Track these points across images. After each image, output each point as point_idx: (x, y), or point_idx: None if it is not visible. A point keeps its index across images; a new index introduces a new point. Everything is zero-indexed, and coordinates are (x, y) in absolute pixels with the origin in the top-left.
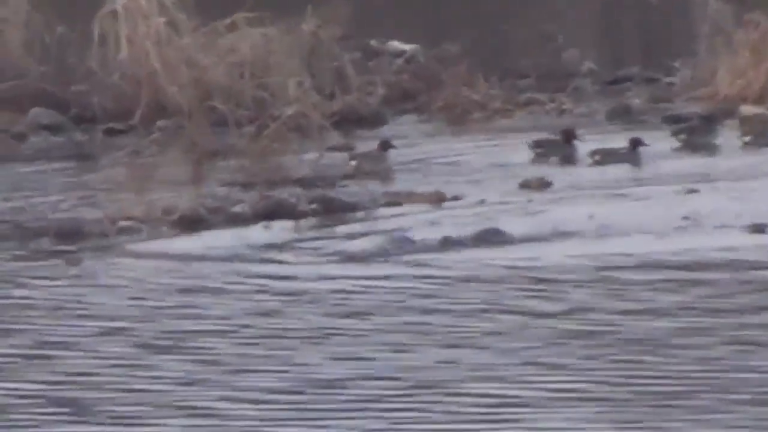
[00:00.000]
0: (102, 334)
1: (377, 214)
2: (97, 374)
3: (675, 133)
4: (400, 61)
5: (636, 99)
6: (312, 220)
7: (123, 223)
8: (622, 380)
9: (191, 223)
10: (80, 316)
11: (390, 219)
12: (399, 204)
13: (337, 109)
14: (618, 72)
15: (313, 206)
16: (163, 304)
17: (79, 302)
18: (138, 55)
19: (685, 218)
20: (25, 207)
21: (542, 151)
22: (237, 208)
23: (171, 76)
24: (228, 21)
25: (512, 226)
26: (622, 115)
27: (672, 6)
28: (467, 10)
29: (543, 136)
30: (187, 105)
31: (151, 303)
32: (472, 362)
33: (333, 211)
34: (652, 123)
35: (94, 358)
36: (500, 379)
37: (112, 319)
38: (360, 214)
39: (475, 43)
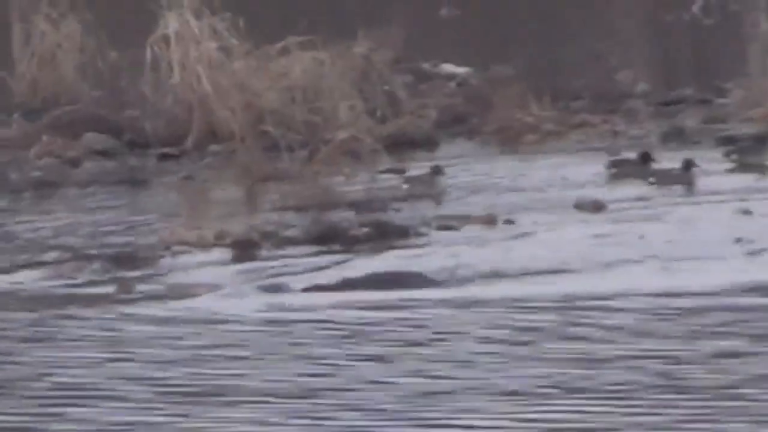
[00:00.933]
0: None
1: (430, 237)
2: None
3: (727, 154)
4: (452, 84)
5: (689, 120)
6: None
7: (176, 248)
8: None
9: (244, 248)
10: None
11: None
12: (452, 227)
13: (389, 132)
14: (671, 93)
15: (366, 230)
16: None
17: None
18: (190, 79)
19: (738, 240)
20: (78, 232)
21: (617, 171)
22: (289, 233)
23: (223, 100)
24: (280, 45)
25: (567, 253)
26: (676, 137)
27: (724, 27)
28: (520, 33)
29: (620, 155)
30: (239, 129)
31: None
32: None
33: (385, 235)
34: (705, 144)
35: None
36: None
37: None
38: (413, 238)
39: (528, 64)
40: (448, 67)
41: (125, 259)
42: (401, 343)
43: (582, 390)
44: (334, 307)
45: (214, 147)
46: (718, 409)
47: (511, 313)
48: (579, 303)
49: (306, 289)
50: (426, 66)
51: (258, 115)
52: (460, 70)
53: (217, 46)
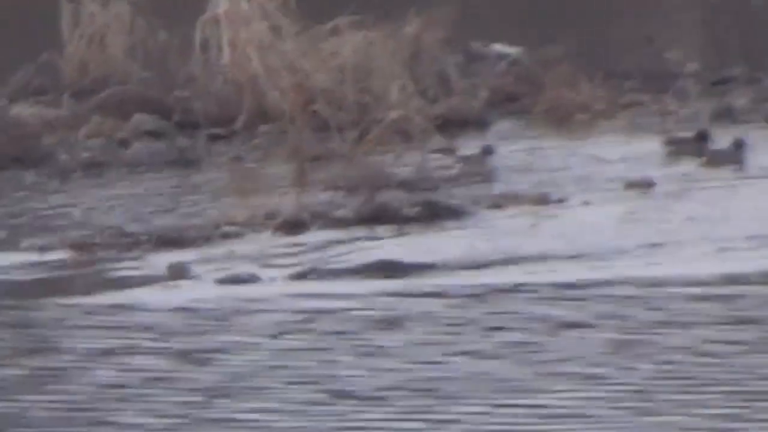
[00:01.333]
0: None
1: (480, 217)
2: None
3: None
4: (503, 63)
5: (738, 99)
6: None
7: (226, 228)
8: None
9: (294, 228)
10: None
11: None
12: (502, 207)
13: (440, 112)
14: (721, 72)
15: (416, 209)
16: None
17: None
18: (240, 60)
19: None
20: (127, 213)
21: (673, 149)
22: (340, 213)
23: (273, 80)
24: (330, 25)
25: (619, 232)
26: (725, 116)
27: None
28: (570, 12)
29: (677, 134)
30: (289, 110)
31: None
32: None
33: (436, 215)
34: (755, 123)
35: None
36: None
37: None
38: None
39: (579, 44)
40: (499, 47)
41: (175, 240)
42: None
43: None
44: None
45: (264, 127)
46: None
47: (558, 300)
48: (634, 288)
49: (344, 273)
50: (476, 46)
51: (308, 96)
52: (511, 50)
53: (268, 27)
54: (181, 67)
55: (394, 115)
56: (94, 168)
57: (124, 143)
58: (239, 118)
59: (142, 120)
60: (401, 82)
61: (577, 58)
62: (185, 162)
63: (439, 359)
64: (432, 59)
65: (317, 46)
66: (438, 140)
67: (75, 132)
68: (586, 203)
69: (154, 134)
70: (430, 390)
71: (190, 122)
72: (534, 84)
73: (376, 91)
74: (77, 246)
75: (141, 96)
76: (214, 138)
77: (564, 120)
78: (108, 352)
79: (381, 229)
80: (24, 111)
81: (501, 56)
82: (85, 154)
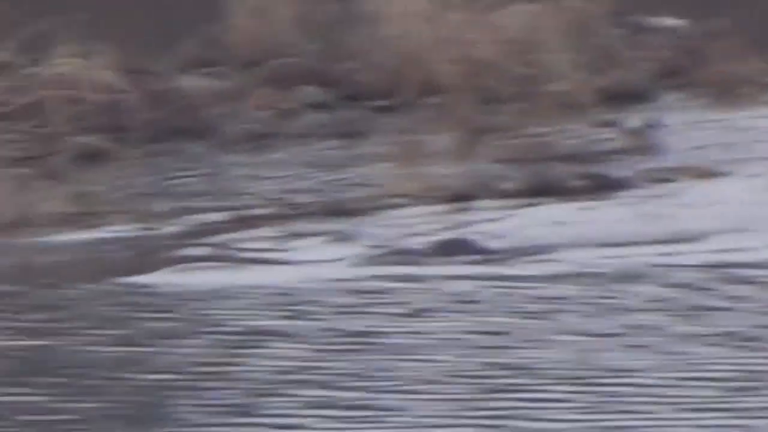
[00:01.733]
0: None
1: (645, 189)
2: None
3: None
4: (668, 36)
5: None
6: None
7: (392, 200)
8: None
9: (460, 200)
10: None
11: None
12: (667, 180)
13: (604, 84)
14: None
15: (581, 182)
16: None
17: None
18: (406, 32)
19: None
20: (294, 184)
21: None
22: (506, 185)
23: (439, 53)
24: None
25: None
26: None
27: None
28: None
29: None
30: (455, 82)
31: None
32: None
33: (602, 187)
34: None
35: None
36: None
37: None
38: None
39: (744, 17)
40: (664, 20)
41: (342, 210)
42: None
43: None
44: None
45: (429, 99)
46: None
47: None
48: None
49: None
50: (642, 18)
51: (474, 68)
52: (677, 22)
53: None
54: (347, 38)
55: (559, 87)
56: (260, 139)
57: (290, 115)
58: (405, 90)
59: (308, 92)
60: (566, 54)
61: (743, 31)
62: (351, 133)
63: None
64: (597, 32)
65: (482, 19)
66: (603, 113)
67: (241, 103)
68: (752, 176)
69: (320, 106)
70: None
71: (356, 94)
72: (700, 57)
73: (542, 63)
74: (243, 218)
75: (307, 68)
76: (380, 110)
77: (730, 93)
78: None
79: (546, 202)
80: (191, 83)
81: (666, 29)
82: (252, 126)
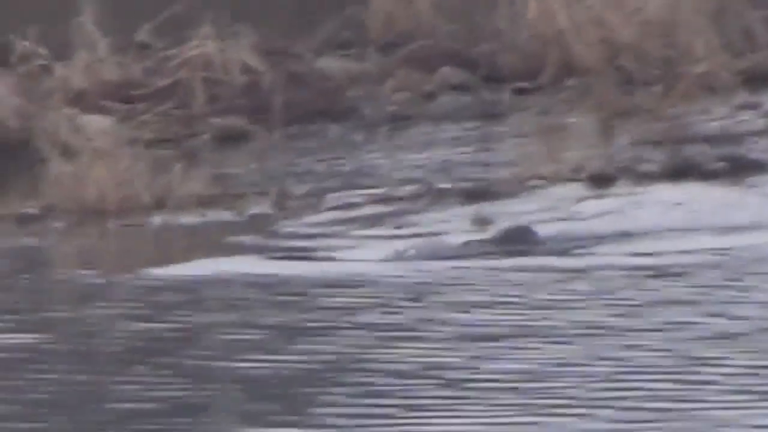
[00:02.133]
0: None
1: None
2: None
3: None
4: None
5: None
6: None
7: (531, 182)
8: None
9: (600, 182)
10: None
11: None
12: None
13: (745, 66)
14: None
15: (721, 164)
16: None
17: None
18: (546, 13)
19: None
20: (432, 166)
21: None
22: (645, 167)
23: (578, 35)
24: None
25: None
26: None
27: None
28: None
29: None
30: (594, 64)
31: None
32: None
33: (741, 169)
34: None
35: None
36: None
37: None
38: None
39: None
40: None
41: (480, 193)
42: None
43: None
44: None
45: (569, 81)
46: None
47: None
48: None
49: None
50: None
51: (613, 50)
52: None
53: None
54: (486, 20)
55: (699, 69)
56: (399, 121)
57: (429, 97)
58: (544, 72)
59: (447, 73)
60: (706, 36)
61: None
62: (490, 115)
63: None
64: (737, 14)
65: (623, 1)
66: (743, 95)
67: (380, 85)
68: None
69: (460, 88)
70: None
71: (495, 76)
72: None
73: (681, 45)
74: (383, 200)
75: (447, 49)
76: (520, 91)
77: None
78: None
79: (686, 183)
80: (330, 64)
81: None
82: (391, 108)
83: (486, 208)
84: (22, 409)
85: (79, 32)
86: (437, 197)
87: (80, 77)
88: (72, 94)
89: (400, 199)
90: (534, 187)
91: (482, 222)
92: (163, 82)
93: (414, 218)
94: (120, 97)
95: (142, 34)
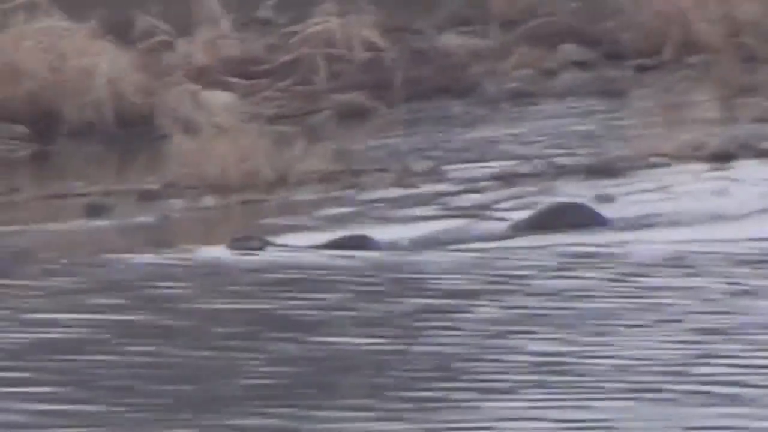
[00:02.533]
0: None
1: None
2: None
3: None
4: None
5: None
6: None
7: (653, 160)
8: None
9: (721, 160)
10: None
11: None
12: None
13: None
14: None
15: None
16: None
17: None
18: None
19: None
20: (554, 142)
21: None
22: (766, 145)
23: (701, 11)
24: None
25: None
26: None
27: None
28: None
29: None
30: (716, 41)
31: None
32: None
33: None
34: None
35: None
36: None
37: None
38: None
39: None
40: None
41: (602, 169)
42: None
43: None
44: None
45: (691, 58)
46: None
47: None
48: None
49: None
50: None
51: (735, 27)
52: None
53: None
54: None
55: None
56: (520, 98)
57: (551, 73)
58: (666, 49)
59: (569, 50)
60: None
61: None
62: (612, 92)
63: None
64: None
65: None
66: None
67: (502, 62)
68: None
69: (581, 64)
70: None
71: (617, 53)
72: None
73: None
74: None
75: (568, 26)
76: (641, 69)
77: None
78: None
79: None
80: (451, 41)
81: None
82: (512, 85)
83: (607, 184)
84: (144, 384)
85: (201, 8)
86: (558, 173)
87: (202, 53)
88: (194, 70)
89: (522, 175)
90: (654, 165)
91: (604, 199)
92: (284, 58)
93: (534, 194)
94: (242, 73)
95: (264, 10)
